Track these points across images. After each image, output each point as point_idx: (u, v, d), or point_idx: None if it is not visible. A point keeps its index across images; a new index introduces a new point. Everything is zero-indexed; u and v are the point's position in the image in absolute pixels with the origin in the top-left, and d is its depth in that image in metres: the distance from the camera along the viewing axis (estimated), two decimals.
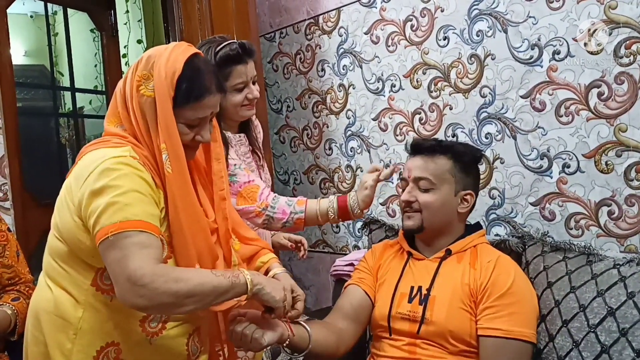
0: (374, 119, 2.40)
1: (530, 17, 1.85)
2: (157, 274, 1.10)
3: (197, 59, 1.25)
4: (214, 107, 1.26)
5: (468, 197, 1.59)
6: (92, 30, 4.40)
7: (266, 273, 1.41)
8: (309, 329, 1.40)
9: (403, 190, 1.61)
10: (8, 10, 2.92)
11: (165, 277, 1.11)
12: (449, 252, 1.57)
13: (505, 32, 1.92)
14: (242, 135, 1.81)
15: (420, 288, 1.55)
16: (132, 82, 1.24)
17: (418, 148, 1.61)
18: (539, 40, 1.84)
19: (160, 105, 1.19)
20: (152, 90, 1.20)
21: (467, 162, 1.61)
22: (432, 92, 2.17)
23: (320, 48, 2.60)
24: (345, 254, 2.45)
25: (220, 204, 1.36)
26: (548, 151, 1.85)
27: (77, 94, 4.14)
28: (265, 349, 1.45)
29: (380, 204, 2.40)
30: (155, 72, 1.20)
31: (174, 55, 1.22)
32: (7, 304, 1.71)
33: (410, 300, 1.54)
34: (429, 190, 1.56)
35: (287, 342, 1.34)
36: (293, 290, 1.32)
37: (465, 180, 1.59)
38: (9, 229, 1.85)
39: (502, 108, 1.95)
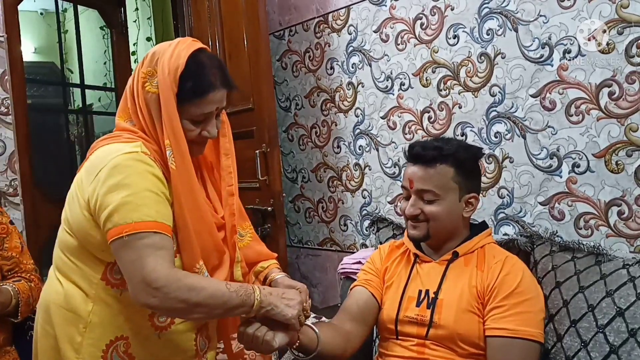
0: (382, 118, 2.39)
1: (540, 15, 1.85)
2: (171, 279, 1.12)
3: (202, 54, 1.25)
4: (219, 103, 1.26)
5: (472, 200, 1.56)
6: (102, 28, 4.43)
7: (265, 278, 1.43)
8: (317, 331, 1.40)
9: (405, 199, 1.57)
10: (19, 7, 2.94)
11: (179, 283, 1.12)
12: (455, 255, 1.55)
13: (516, 30, 1.91)
14: None
15: (427, 291, 1.53)
16: (138, 79, 1.24)
17: (418, 157, 1.53)
18: (549, 39, 1.83)
19: (163, 102, 1.19)
20: (156, 87, 1.20)
21: (469, 166, 1.56)
22: (441, 90, 2.17)
23: (329, 46, 2.60)
24: (353, 252, 2.45)
25: (228, 200, 1.36)
26: (558, 150, 1.84)
27: (87, 91, 4.17)
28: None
29: (389, 202, 2.40)
30: (159, 69, 1.20)
31: (177, 51, 1.21)
32: (9, 284, 1.71)
33: (418, 304, 1.53)
34: (434, 202, 1.51)
35: (296, 345, 1.35)
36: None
37: (468, 185, 1.55)
38: (11, 222, 1.84)
39: (512, 107, 1.95)
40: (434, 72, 2.18)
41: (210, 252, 1.27)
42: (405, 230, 1.68)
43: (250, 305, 1.20)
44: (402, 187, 1.58)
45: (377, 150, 2.43)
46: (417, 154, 1.53)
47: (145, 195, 1.15)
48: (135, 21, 4.58)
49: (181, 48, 1.22)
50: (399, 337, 1.54)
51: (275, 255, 1.51)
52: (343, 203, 2.62)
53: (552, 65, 1.83)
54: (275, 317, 1.24)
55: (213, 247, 1.27)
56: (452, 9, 2.10)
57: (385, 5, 2.32)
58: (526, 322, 1.41)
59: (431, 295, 1.52)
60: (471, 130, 2.07)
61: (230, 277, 1.34)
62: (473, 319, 1.46)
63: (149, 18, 4.61)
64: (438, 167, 1.51)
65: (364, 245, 2.53)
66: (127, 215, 1.13)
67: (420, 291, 1.54)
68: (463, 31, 2.07)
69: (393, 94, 2.34)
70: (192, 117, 1.23)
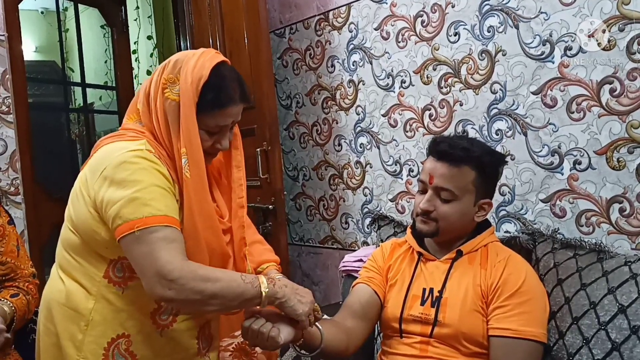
0: (383, 115, 2.39)
1: (541, 12, 1.84)
2: (186, 270, 1.13)
3: (224, 67, 1.27)
4: (235, 116, 1.28)
5: (486, 205, 1.54)
6: (102, 26, 4.43)
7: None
8: (321, 328, 1.40)
9: (420, 192, 1.55)
10: (20, 6, 2.94)
11: (194, 274, 1.13)
12: (460, 253, 1.54)
13: (517, 27, 1.91)
14: None
15: (432, 290, 1.52)
16: (157, 84, 1.25)
17: (444, 155, 1.50)
18: (550, 36, 1.83)
19: (184, 111, 1.20)
20: (177, 95, 1.21)
21: (490, 172, 1.55)
22: (442, 88, 2.16)
23: (330, 44, 2.60)
24: (354, 250, 2.45)
25: (238, 212, 1.37)
26: (559, 148, 1.84)
27: (88, 90, 4.16)
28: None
29: (390, 200, 2.40)
30: (181, 77, 1.21)
31: (201, 61, 1.23)
32: (6, 300, 1.67)
33: (422, 303, 1.52)
34: (450, 202, 1.49)
35: (300, 341, 1.35)
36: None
37: (485, 190, 1.54)
38: (9, 222, 1.79)
39: (513, 104, 1.94)
40: (434, 69, 2.18)
41: (216, 256, 1.28)
42: (408, 228, 1.68)
43: (266, 296, 1.20)
44: (420, 180, 1.55)
45: (378, 148, 2.43)
46: (444, 152, 1.50)
47: (153, 190, 1.16)
48: (135, 20, 4.58)
49: (205, 59, 1.24)
50: (403, 336, 1.54)
51: (278, 259, 1.51)
52: (344, 201, 2.62)
53: (553, 62, 1.83)
54: (285, 311, 1.24)
55: (220, 251, 1.28)
56: (452, 6, 2.09)
57: (386, 3, 2.32)
58: (529, 322, 1.41)
59: (435, 293, 1.51)
60: (472, 128, 2.07)
61: None
62: (477, 317, 1.45)
63: (149, 16, 4.61)
64: (462, 168, 1.48)
65: (365, 243, 2.53)
66: (138, 210, 1.14)
67: (424, 290, 1.53)
68: (464, 28, 2.07)
69: (394, 92, 2.34)
70: (208, 128, 1.25)
